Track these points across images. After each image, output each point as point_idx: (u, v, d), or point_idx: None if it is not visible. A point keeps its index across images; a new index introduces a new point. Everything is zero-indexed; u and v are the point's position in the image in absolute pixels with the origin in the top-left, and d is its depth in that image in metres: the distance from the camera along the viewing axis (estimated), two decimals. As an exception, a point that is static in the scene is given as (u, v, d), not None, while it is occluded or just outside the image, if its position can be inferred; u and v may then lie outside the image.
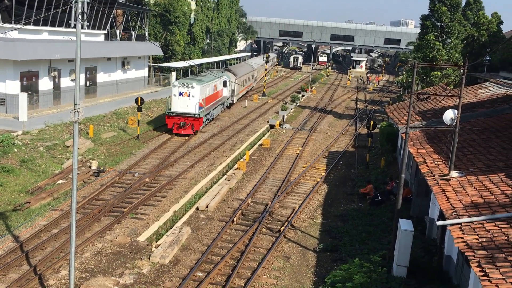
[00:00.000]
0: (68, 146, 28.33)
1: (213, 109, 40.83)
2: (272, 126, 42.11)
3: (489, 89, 29.20)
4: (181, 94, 34.75)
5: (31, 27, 32.94)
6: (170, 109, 35.36)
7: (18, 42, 30.32)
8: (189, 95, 34.79)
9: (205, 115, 37.32)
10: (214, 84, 40.76)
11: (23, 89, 31.17)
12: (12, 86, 30.66)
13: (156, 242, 18.48)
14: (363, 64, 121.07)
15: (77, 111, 11.84)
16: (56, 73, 34.51)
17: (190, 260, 17.09)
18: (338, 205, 24.12)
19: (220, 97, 44.41)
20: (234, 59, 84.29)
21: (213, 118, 41.79)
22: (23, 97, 29.18)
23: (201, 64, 63.59)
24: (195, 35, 74.93)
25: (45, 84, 33.74)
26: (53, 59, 33.55)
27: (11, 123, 29.11)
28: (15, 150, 25.57)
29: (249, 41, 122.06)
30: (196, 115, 35.09)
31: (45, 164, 25.71)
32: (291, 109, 52.05)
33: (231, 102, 49.05)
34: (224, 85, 45.56)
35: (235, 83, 48.31)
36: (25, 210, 20.24)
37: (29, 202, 20.74)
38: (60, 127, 30.89)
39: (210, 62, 66.30)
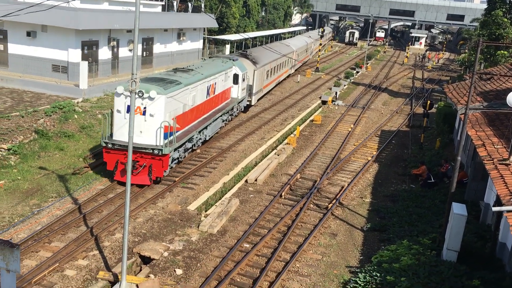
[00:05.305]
0: (124, 115, 29.25)
1: (203, 129, 24.58)
2: (324, 102, 41.59)
3: (559, 71, 27.39)
4: (130, 109, 16.22)
5: (93, -3, 33.92)
6: (111, 134, 20.06)
7: (80, 12, 31.32)
8: (144, 113, 19.17)
9: (177, 148, 20.77)
10: (210, 83, 25.32)
11: (84, 57, 32.33)
12: (74, 55, 31.86)
13: (206, 211, 18.95)
14: (423, 40, 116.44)
15: (134, 81, 12.15)
16: (115, 43, 35.48)
17: (238, 231, 17.43)
18: (389, 185, 23.71)
19: (224, 103, 28.81)
20: (288, 32, 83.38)
21: (205, 141, 26.11)
22: (84, 65, 30.29)
23: (255, 38, 63.34)
24: (250, 7, 74.50)
25: (104, 53, 34.80)
26: (112, 29, 34.47)
27: (72, 91, 30.39)
28: (76, 116, 26.71)
29: (305, 14, 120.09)
30: (156, 150, 19.25)
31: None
32: (345, 85, 51.12)
33: (247, 104, 34.52)
34: (235, 80, 30.57)
35: (253, 76, 34.04)
36: (83, 174, 21.25)
37: (88, 167, 21.74)
38: (117, 96, 31.87)
39: (264, 36, 65.82)
